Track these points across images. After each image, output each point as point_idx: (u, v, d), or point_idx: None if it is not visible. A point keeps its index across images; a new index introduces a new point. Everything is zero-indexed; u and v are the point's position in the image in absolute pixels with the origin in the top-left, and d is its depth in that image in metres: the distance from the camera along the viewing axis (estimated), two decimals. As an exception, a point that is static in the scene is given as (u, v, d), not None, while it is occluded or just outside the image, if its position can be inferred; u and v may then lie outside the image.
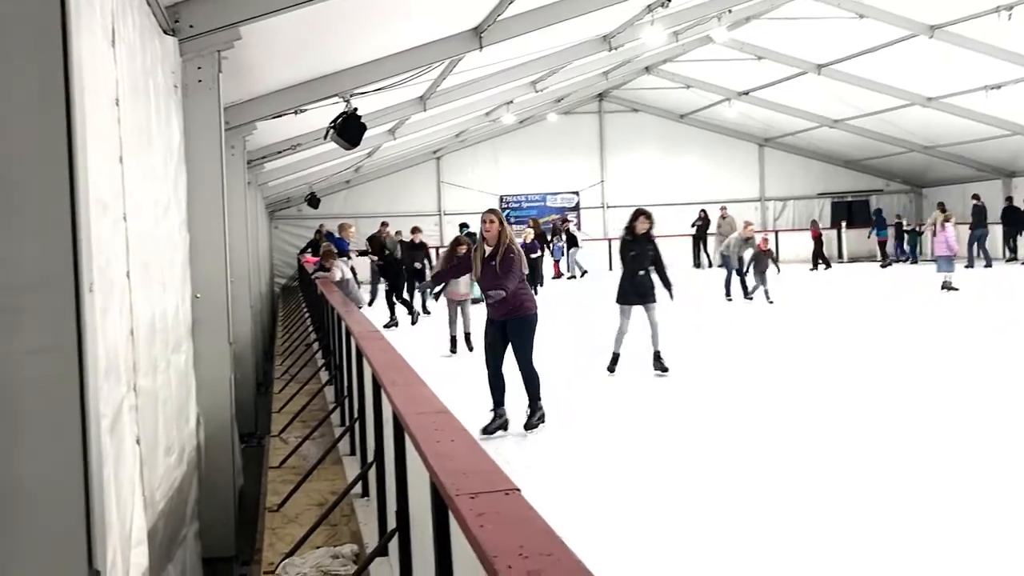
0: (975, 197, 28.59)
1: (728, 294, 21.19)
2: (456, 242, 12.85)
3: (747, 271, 20.58)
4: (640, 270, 11.60)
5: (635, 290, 11.59)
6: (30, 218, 2.60)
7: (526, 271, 9.71)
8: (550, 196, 34.58)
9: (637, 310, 11.63)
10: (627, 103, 34.66)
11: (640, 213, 11.68)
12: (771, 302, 19.73)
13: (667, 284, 11.68)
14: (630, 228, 11.72)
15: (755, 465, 7.76)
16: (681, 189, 33.94)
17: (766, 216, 35.29)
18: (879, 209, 33.62)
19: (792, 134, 33.74)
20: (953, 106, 26.50)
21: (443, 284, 11.70)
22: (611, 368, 11.74)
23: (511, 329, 8.95)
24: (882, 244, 32.41)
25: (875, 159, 34.32)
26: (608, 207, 34.63)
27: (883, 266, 30.92)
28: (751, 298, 20.43)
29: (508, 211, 34.38)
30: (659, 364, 11.62)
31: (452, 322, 14.90)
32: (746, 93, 30.06)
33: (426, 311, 20.01)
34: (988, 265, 27.10)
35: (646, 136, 34.84)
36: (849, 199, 35.48)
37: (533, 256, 22.26)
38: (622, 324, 11.67)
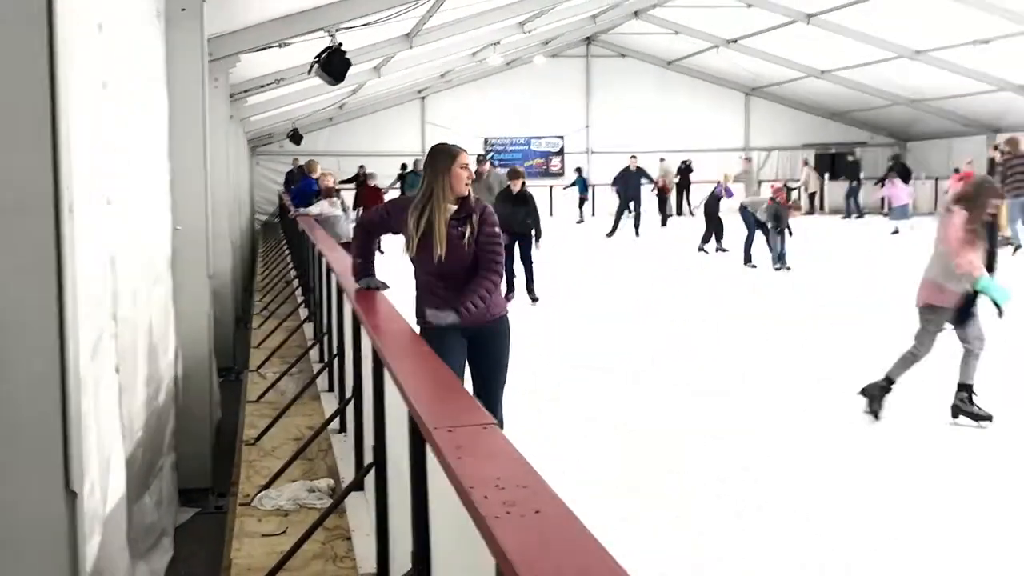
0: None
1: (749, 259, 18.18)
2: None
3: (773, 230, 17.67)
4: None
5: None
6: (9, 142, 2.58)
7: None
8: (535, 140, 34.48)
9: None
10: (615, 48, 34.50)
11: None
12: (788, 267, 17.50)
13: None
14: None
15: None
16: (667, 137, 33.88)
17: (752, 166, 35.25)
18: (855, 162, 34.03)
19: (779, 84, 33.70)
20: (941, 60, 26.46)
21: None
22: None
23: (484, 337, 5.70)
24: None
25: (861, 111, 34.36)
26: (592, 152, 34.56)
27: (843, 218, 31.75)
28: (784, 266, 17.56)
29: (493, 154, 34.30)
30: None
31: None
32: (734, 41, 29.92)
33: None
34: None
35: (633, 82, 34.70)
36: (833, 151, 35.50)
37: None
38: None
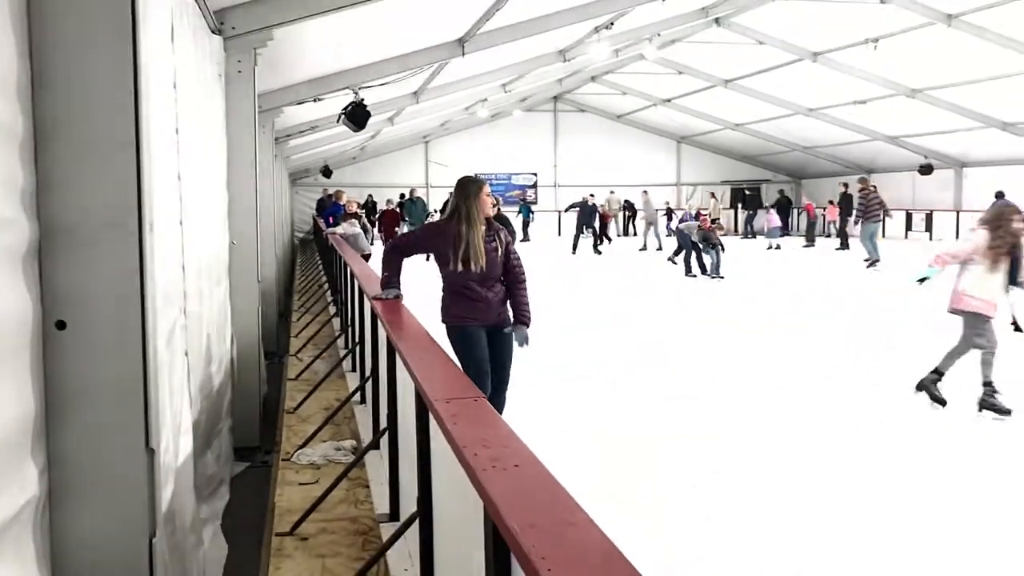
0: (844, 185, 28.86)
1: (689, 270, 17.74)
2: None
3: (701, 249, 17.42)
4: None
5: None
6: (105, 173, 2.57)
7: None
8: (514, 175, 34.49)
9: None
10: (576, 104, 34.53)
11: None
12: (721, 277, 17.15)
13: None
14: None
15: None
16: (617, 173, 34.03)
17: (680, 197, 35.39)
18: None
19: (703, 134, 33.81)
20: (828, 116, 26.64)
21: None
22: None
23: (499, 337, 5.52)
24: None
25: (766, 155, 34.53)
26: (559, 186, 34.63)
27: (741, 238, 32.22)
28: (718, 276, 17.21)
29: (480, 186, 34.27)
30: None
31: None
32: (669, 100, 30.02)
33: None
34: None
35: (590, 131, 34.78)
36: (745, 187, 35.66)
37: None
38: None
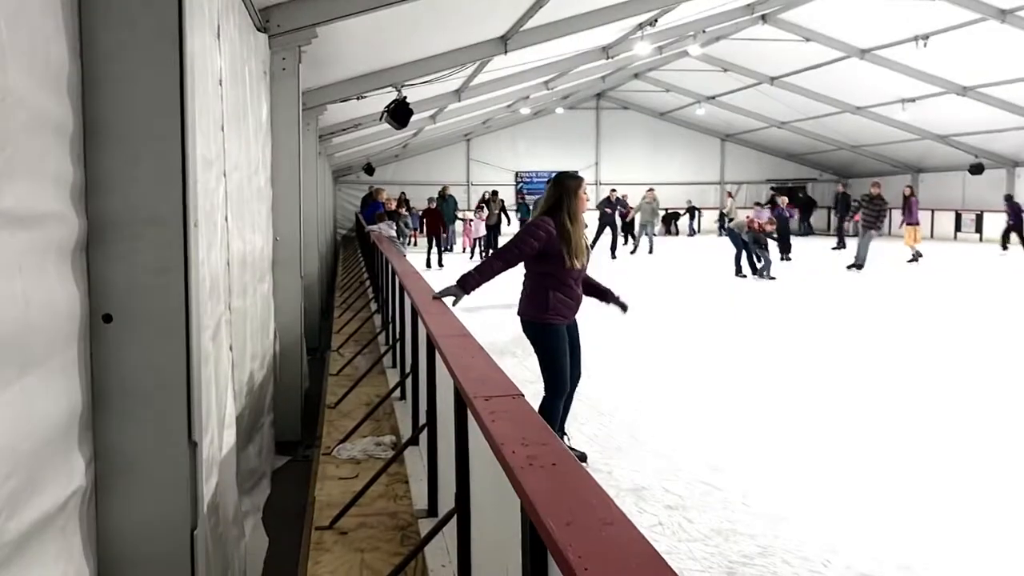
0: (843, 185, 29.33)
1: (739, 270, 17.40)
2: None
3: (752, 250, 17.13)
4: None
5: None
6: (150, 170, 2.62)
7: None
8: (554, 174, 34.37)
9: None
10: (619, 102, 34.37)
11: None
12: (772, 278, 16.73)
13: None
14: None
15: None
16: (658, 172, 33.81)
17: (724, 196, 35.12)
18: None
19: (748, 132, 33.48)
20: (876, 114, 26.22)
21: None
22: None
23: (575, 330, 5.58)
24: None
25: (812, 154, 34.09)
26: (600, 184, 34.49)
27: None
28: (768, 276, 16.85)
29: (522, 184, 34.25)
30: None
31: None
32: (713, 98, 29.75)
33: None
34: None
35: (633, 129, 34.62)
36: (790, 185, 35.26)
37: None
38: None
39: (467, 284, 5.15)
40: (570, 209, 5.29)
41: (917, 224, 20.54)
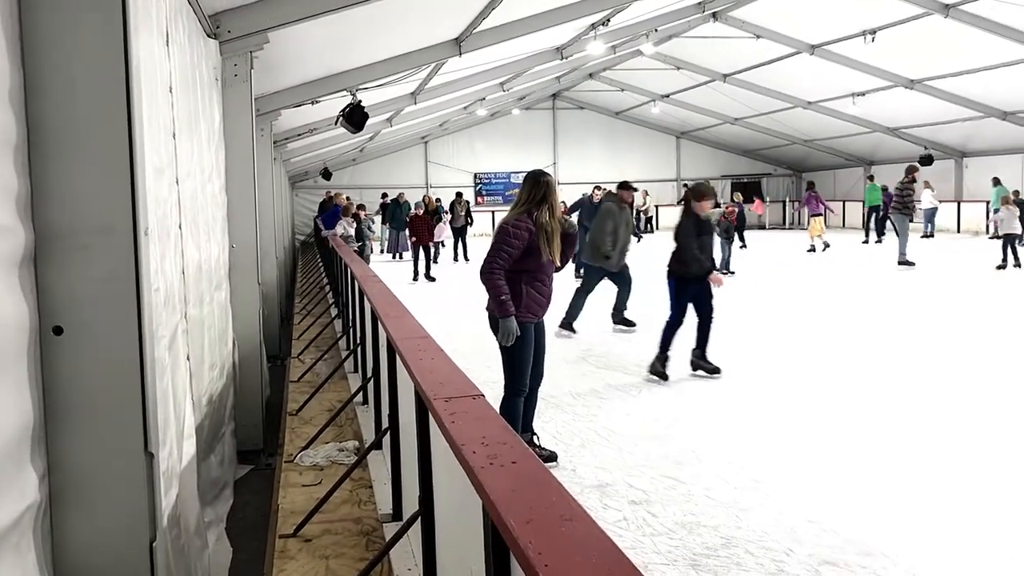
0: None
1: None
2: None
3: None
4: None
5: None
6: (98, 178, 2.58)
7: None
8: (513, 174, 34.47)
9: None
10: (575, 102, 34.53)
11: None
12: (732, 272, 16.79)
13: None
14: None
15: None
16: (617, 170, 33.93)
17: (680, 193, 35.40)
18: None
19: (702, 129, 33.80)
20: (827, 108, 26.60)
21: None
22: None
23: (541, 329, 5.64)
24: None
25: (766, 149, 34.51)
26: (559, 183, 34.53)
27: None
28: (728, 271, 16.67)
29: (481, 186, 34.25)
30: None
31: None
32: (667, 96, 30.00)
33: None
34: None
35: (589, 128, 34.84)
36: (745, 180, 35.67)
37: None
38: None
39: (503, 309, 5.30)
40: (551, 204, 5.42)
41: (820, 215, 22.17)
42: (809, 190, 22.75)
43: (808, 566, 4.11)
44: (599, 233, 10.81)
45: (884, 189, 25.05)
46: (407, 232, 19.00)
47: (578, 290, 10.94)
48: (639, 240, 23.05)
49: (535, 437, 5.84)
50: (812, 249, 21.58)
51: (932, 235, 25.52)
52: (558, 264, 5.50)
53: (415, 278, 17.77)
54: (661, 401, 7.28)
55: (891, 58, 21.18)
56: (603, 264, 10.73)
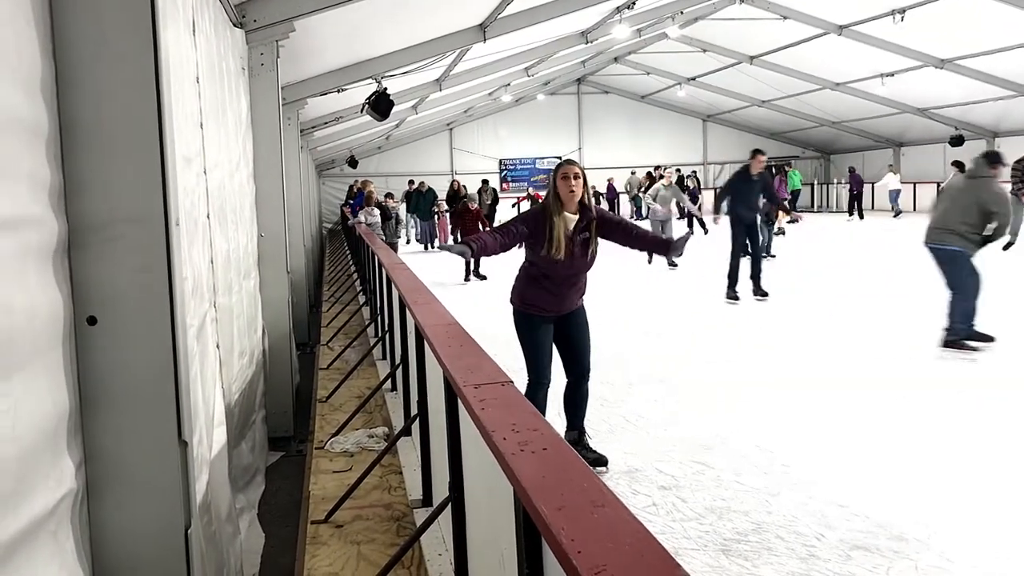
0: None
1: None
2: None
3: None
4: None
5: None
6: (129, 169, 2.59)
7: None
8: (539, 160, 34.41)
9: None
10: (600, 86, 34.36)
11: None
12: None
13: None
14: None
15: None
16: (641, 155, 33.81)
17: (707, 176, 35.16)
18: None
19: (729, 112, 33.53)
20: (855, 90, 26.29)
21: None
22: None
23: (571, 322, 5.20)
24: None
25: (794, 132, 34.19)
26: (585, 169, 34.46)
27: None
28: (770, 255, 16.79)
29: (506, 172, 34.23)
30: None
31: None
32: (694, 79, 29.78)
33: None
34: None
35: (615, 112, 34.64)
36: (772, 164, 35.31)
37: None
38: None
39: (470, 244, 4.76)
40: (552, 197, 4.99)
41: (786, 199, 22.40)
42: (778, 174, 23.24)
43: (839, 551, 4.08)
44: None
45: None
46: (449, 228, 17.90)
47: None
48: (705, 232, 21.26)
49: (586, 437, 5.42)
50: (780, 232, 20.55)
51: (899, 215, 27.31)
52: (560, 257, 4.90)
53: (467, 278, 15.50)
54: (688, 388, 7.25)
55: (921, 38, 20.86)
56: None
